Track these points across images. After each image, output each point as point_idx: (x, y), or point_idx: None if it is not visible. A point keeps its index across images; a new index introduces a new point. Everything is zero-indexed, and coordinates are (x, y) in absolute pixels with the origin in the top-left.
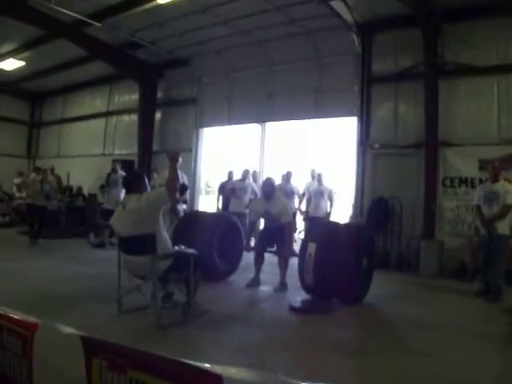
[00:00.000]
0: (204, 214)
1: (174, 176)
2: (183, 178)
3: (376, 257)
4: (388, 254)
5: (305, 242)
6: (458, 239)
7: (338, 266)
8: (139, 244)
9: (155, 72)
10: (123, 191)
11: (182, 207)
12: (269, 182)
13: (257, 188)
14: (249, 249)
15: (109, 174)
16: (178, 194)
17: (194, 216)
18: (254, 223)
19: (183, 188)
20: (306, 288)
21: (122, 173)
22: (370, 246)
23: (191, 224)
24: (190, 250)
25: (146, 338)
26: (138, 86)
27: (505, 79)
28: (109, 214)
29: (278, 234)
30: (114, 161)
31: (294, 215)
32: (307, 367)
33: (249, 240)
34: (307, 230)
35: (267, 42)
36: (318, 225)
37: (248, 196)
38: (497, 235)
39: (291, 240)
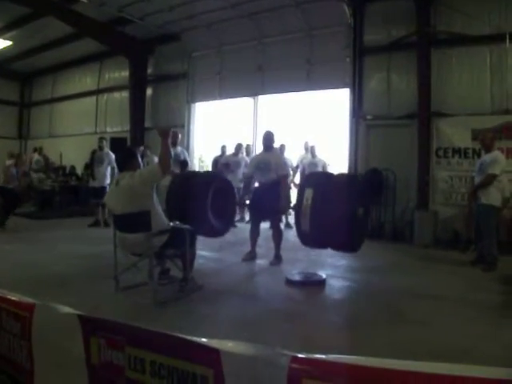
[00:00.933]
0: (196, 173)
1: (165, 152)
2: (184, 153)
3: (370, 208)
4: (382, 226)
5: (302, 188)
6: (452, 209)
7: (333, 212)
8: (134, 221)
9: (145, 48)
10: (109, 169)
11: None
12: (269, 134)
13: (248, 161)
14: (243, 204)
15: (93, 152)
16: (178, 170)
17: (186, 176)
18: (251, 178)
19: (184, 164)
20: (301, 234)
21: (108, 151)
22: (364, 197)
23: (184, 184)
24: (186, 226)
25: (144, 315)
26: (129, 62)
27: (497, 48)
28: (96, 192)
29: (271, 198)
30: (101, 138)
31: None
32: (304, 339)
33: (244, 196)
34: (303, 177)
35: (258, 15)
36: (314, 173)
37: (242, 170)
38: (480, 205)
39: (287, 196)
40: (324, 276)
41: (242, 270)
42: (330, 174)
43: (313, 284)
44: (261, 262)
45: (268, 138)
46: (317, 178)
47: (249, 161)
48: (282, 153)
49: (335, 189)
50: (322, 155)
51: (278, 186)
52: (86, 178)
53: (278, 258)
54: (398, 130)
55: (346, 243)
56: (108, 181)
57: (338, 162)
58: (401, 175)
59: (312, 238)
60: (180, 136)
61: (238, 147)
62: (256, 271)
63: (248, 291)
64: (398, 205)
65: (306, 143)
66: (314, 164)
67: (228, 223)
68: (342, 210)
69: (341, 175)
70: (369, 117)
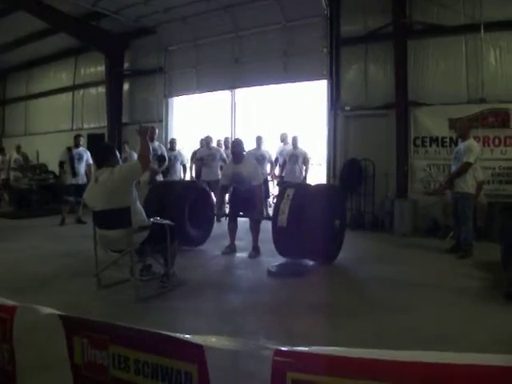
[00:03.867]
0: (174, 182)
1: (144, 149)
2: (161, 148)
3: (346, 219)
4: (362, 215)
5: (283, 188)
6: (431, 198)
7: (310, 225)
8: (114, 218)
9: (121, 42)
10: (83, 165)
11: (161, 178)
12: (237, 144)
13: (225, 155)
14: (221, 215)
15: (69, 149)
16: (156, 165)
17: (164, 185)
18: (226, 188)
19: (161, 159)
20: (277, 231)
21: (85, 148)
22: (341, 208)
23: (161, 193)
24: (166, 221)
25: (127, 312)
26: (104, 57)
27: (472, 38)
28: (77, 189)
29: (249, 197)
30: (78, 135)
31: (266, 181)
32: (287, 331)
33: (221, 206)
34: (282, 186)
35: (234, 7)
36: (294, 183)
37: (217, 162)
38: (456, 192)
39: (261, 204)
40: (305, 267)
41: (224, 264)
42: (307, 185)
43: (294, 275)
44: (241, 255)
45: (236, 147)
46: (297, 185)
47: (225, 156)
48: (260, 145)
49: (311, 201)
50: (303, 146)
51: (255, 189)
52: (62, 175)
53: (256, 250)
54: (376, 120)
55: (323, 254)
56: (85, 178)
57: (317, 153)
58: (380, 165)
59: (288, 232)
60: (157, 131)
61: (207, 140)
62: (237, 264)
63: (230, 284)
64: (378, 194)
65: (283, 134)
66: (294, 155)
67: (206, 232)
68: (318, 222)
69: (316, 187)
70: (347, 107)
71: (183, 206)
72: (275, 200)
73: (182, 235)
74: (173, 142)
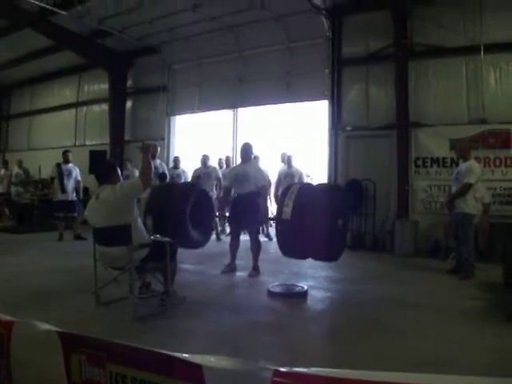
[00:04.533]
0: (176, 184)
1: (146, 166)
2: (163, 166)
3: (349, 219)
4: (363, 236)
5: (287, 186)
6: (432, 218)
7: (314, 221)
8: (114, 235)
9: (125, 60)
10: (72, 182)
11: None
12: (246, 146)
13: (221, 174)
14: (222, 216)
15: (58, 165)
16: (158, 183)
17: (166, 187)
18: (229, 190)
19: (163, 176)
20: (281, 224)
21: (72, 165)
22: (344, 208)
23: (163, 194)
24: (166, 239)
25: (125, 330)
26: (108, 75)
27: (473, 59)
28: (65, 206)
29: (250, 204)
30: (67, 151)
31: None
32: (287, 352)
33: (223, 207)
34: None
35: (237, 27)
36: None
37: (213, 181)
38: (457, 213)
39: (265, 206)
40: (305, 287)
41: (223, 283)
42: (310, 184)
43: (294, 295)
44: (241, 274)
45: (246, 150)
46: (302, 184)
47: (221, 176)
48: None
49: (317, 197)
50: (298, 165)
51: (257, 197)
52: (52, 191)
53: (256, 270)
54: (377, 141)
55: (327, 252)
56: (74, 194)
57: (318, 173)
58: (381, 185)
59: (292, 225)
60: (159, 149)
61: (205, 159)
62: (237, 283)
63: (230, 304)
64: (379, 215)
65: (283, 154)
66: (290, 174)
67: (207, 234)
68: (323, 219)
69: (320, 186)
70: (348, 128)
71: (184, 208)
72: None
73: (183, 237)
74: (176, 160)
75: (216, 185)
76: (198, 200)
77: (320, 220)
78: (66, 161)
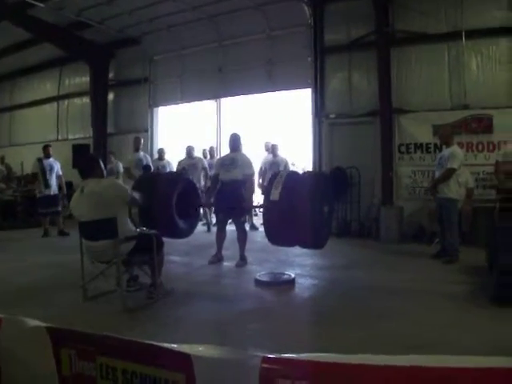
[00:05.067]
0: (161, 173)
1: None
2: (147, 158)
3: (334, 208)
4: (348, 224)
5: (275, 173)
6: (416, 204)
7: (302, 205)
8: (100, 228)
9: (105, 52)
10: (54, 176)
11: None
12: (235, 136)
13: (207, 164)
14: (209, 204)
15: (39, 160)
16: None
17: (151, 176)
18: (217, 177)
19: (147, 168)
20: (269, 205)
21: (53, 159)
22: (329, 195)
23: (148, 184)
24: (152, 231)
25: (114, 323)
26: (89, 67)
27: (454, 46)
28: (49, 201)
29: (236, 192)
30: (47, 146)
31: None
32: (274, 339)
33: (210, 195)
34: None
35: (218, 17)
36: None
37: (199, 172)
38: (440, 198)
39: (251, 194)
40: (292, 275)
41: (210, 273)
42: (296, 172)
43: (282, 283)
44: (228, 264)
45: (234, 140)
46: (289, 171)
47: (207, 166)
48: None
49: (304, 183)
50: (283, 154)
51: (242, 185)
52: (35, 187)
53: (243, 260)
54: (361, 128)
55: (313, 239)
56: (57, 189)
57: (302, 161)
58: (365, 172)
59: (280, 207)
60: (142, 141)
61: (190, 150)
62: (224, 273)
63: (217, 294)
64: (364, 202)
65: (267, 144)
66: (275, 163)
67: (193, 223)
68: (310, 203)
69: (306, 173)
70: (331, 115)
71: (171, 198)
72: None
73: (169, 226)
74: (161, 151)
75: (203, 176)
76: (184, 189)
77: (307, 204)
78: (47, 155)
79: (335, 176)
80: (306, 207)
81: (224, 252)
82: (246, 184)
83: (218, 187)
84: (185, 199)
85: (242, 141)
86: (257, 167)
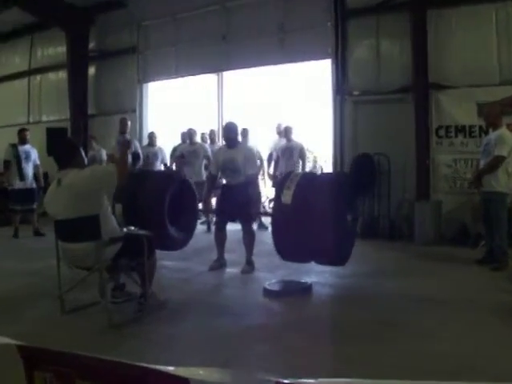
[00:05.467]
0: (151, 172)
1: (126, 161)
2: (135, 144)
3: (359, 211)
4: (376, 222)
5: (287, 173)
6: (457, 198)
7: (319, 211)
8: (80, 228)
9: (85, 18)
10: (31, 166)
11: None
12: (230, 126)
13: (210, 151)
14: (208, 210)
15: (13, 146)
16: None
17: (138, 176)
18: (215, 178)
19: (135, 157)
20: (280, 209)
21: (30, 146)
22: (352, 199)
23: (135, 186)
24: (142, 231)
25: (97, 341)
26: (65, 35)
27: (504, 7)
28: (24, 195)
29: (242, 198)
30: (24, 129)
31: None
32: (287, 361)
33: (207, 200)
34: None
35: None
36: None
37: (201, 161)
38: (486, 192)
39: (258, 197)
40: (308, 284)
41: (211, 281)
42: (312, 174)
43: (296, 294)
44: (232, 271)
45: (230, 132)
46: (304, 173)
47: (210, 153)
48: (245, 140)
49: (318, 192)
50: (298, 138)
51: (249, 185)
52: (7, 178)
53: (250, 265)
54: (391, 107)
55: (334, 254)
56: (34, 181)
57: (321, 147)
58: (396, 160)
59: (293, 211)
60: (129, 123)
61: (190, 134)
62: (227, 281)
63: (219, 306)
64: (394, 196)
65: (279, 126)
66: (289, 149)
67: (189, 231)
68: (329, 209)
69: (324, 175)
70: (355, 92)
71: (162, 201)
72: (270, 203)
73: (160, 236)
74: (152, 136)
75: (206, 165)
76: (178, 190)
77: (326, 210)
78: (23, 141)
79: (360, 165)
80: (325, 213)
81: (227, 256)
82: (250, 184)
83: (221, 188)
84: (179, 202)
85: (249, 124)
86: (265, 154)
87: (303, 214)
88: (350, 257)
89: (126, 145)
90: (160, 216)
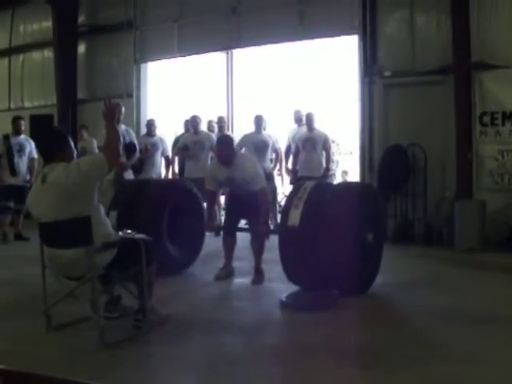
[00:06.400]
0: (147, 181)
1: (113, 138)
2: (130, 134)
3: (385, 228)
4: (410, 224)
5: (299, 184)
6: (505, 197)
7: (333, 245)
8: (69, 232)
9: None
10: (25, 160)
11: (131, 176)
12: (223, 142)
13: None
14: (212, 228)
15: (5, 137)
16: (124, 158)
17: (134, 186)
18: (214, 194)
19: (131, 148)
20: (286, 233)
21: (25, 137)
22: (376, 217)
23: (130, 197)
24: (140, 235)
25: (88, 363)
26: (51, 8)
27: None
28: (17, 192)
29: (250, 201)
30: (18, 118)
31: (270, 176)
32: None
33: (210, 216)
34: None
35: None
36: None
37: (207, 153)
38: None
39: (267, 210)
40: (333, 295)
41: (218, 293)
42: (327, 186)
43: (317, 308)
44: (242, 281)
45: (224, 148)
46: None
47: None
48: (260, 128)
49: (332, 210)
50: (322, 127)
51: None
52: None
53: (258, 274)
54: (428, 90)
55: (351, 284)
56: (28, 177)
57: (346, 137)
58: (433, 153)
59: (301, 235)
60: (123, 109)
61: (194, 122)
62: (236, 293)
63: (227, 322)
64: (431, 194)
65: (298, 113)
66: (311, 140)
67: (193, 251)
68: (344, 240)
69: (342, 188)
70: (386, 73)
71: (160, 215)
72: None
73: (158, 255)
74: (151, 124)
75: (212, 158)
76: (181, 203)
77: (341, 232)
78: (17, 131)
79: (391, 158)
80: (340, 236)
81: (236, 264)
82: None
83: (228, 195)
84: (181, 216)
85: (263, 111)
86: (283, 144)
87: (313, 237)
88: (372, 283)
89: (112, 108)
90: (157, 233)
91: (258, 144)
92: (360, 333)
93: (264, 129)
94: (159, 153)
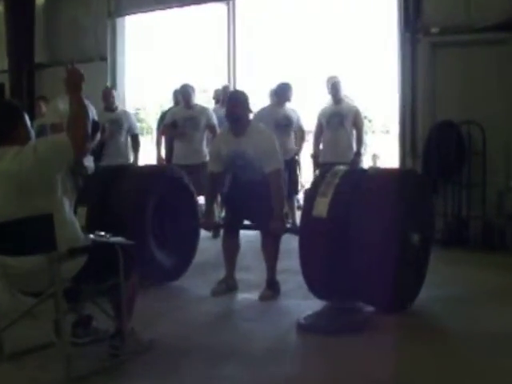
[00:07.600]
0: (125, 168)
1: (80, 113)
2: (91, 109)
3: (434, 228)
4: (464, 223)
5: (327, 168)
6: None
7: (367, 247)
8: (25, 235)
9: None
10: None
11: (91, 163)
12: (236, 97)
13: (215, 119)
14: (210, 225)
15: None
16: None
17: (110, 174)
18: (217, 178)
19: (94, 127)
20: (310, 225)
21: None
22: (423, 213)
23: (103, 189)
24: (117, 238)
25: None
26: None
27: None
28: None
29: (259, 193)
30: None
31: (294, 161)
32: None
33: (209, 209)
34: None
35: None
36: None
37: (202, 133)
38: None
39: (281, 200)
40: (366, 314)
41: (217, 311)
42: (361, 173)
43: (343, 330)
44: (247, 296)
45: (235, 105)
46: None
47: (216, 122)
48: (281, 101)
49: (367, 208)
50: (352, 99)
51: (263, 187)
52: None
53: (272, 288)
54: (486, 52)
55: (390, 298)
56: None
57: (382, 112)
58: (494, 132)
59: (329, 229)
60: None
61: (188, 92)
62: (240, 312)
63: (228, 348)
64: (492, 185)
65: (330, 79)
66: (337, 115)
67: (184, 257)
68: (381, 245)
69: (380, 177)
70: (434, 29)
71: (142, 212)
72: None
73: (142, 261)
74: (108, 94)
75: (209, 139)
76: (169, 196)
77: (379, 229)
78: None
79: (440, 138)
80: (377, 234)
81: (240, 274)
82: (266, 185)
83: (229, 179)
84: (170, 213)
85: (274, 77)
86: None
87: (344, 232)
88: (416, 297)
89: (76, 74)
90: (139, 234)
91: (279, 121)
92: (399, 364)
93: (289, 101)
94: (124, 131)
